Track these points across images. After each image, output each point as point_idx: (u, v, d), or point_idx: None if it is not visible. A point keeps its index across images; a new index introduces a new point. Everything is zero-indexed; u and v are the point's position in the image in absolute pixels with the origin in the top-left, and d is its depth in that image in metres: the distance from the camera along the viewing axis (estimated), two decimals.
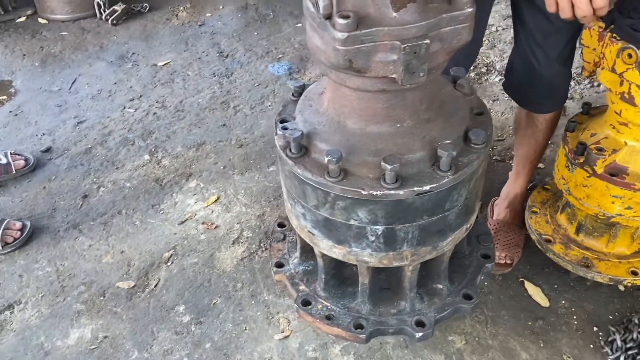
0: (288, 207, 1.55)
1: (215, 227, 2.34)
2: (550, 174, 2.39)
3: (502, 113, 2.86)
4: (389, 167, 1.23)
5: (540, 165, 2.48)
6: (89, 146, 2.84)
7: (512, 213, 2.17)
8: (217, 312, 2.00)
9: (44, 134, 2.94)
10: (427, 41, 1.13)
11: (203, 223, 2.36)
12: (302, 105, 1.47)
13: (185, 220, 2.38)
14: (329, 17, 1.14)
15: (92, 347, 1.92)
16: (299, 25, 3.78)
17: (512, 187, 2.18)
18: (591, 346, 1.81)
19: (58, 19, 3.99)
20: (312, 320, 1.62)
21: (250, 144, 2.78)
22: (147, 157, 2.74)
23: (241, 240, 2.27)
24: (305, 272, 1.73)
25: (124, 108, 3.11)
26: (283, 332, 1.92)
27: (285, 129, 1.40)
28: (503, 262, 2.03)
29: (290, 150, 1.37)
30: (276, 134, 1.44)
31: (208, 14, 4.01)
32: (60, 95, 3.26)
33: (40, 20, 4.03)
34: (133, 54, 3.62)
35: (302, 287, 1.69)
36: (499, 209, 2.19)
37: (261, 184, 2.54)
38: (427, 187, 1.28)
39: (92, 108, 3.13)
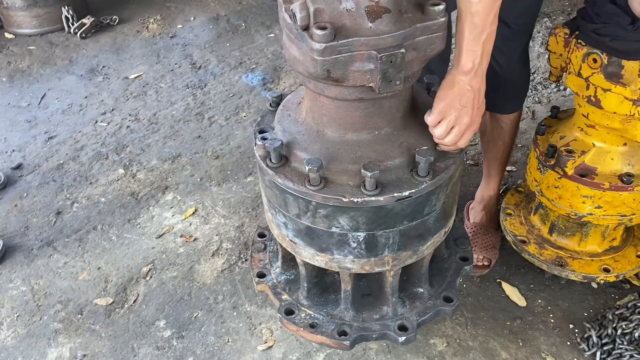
0: (269, 216, 1.55)
1: (194, 240, 2.32)
2: (522, 176, 2.46)
3: None
4: (368, 174, 1.25)
5: (512, 168, 2.55)
6: (61, 162, 2.79)
7: (488, 215, 2.21)
8: (198, 326, 1.99)
9: (13, 151, 2.88)
10: (403, 50, 1.16)
11: (181, 236, 2.34)
12: (281, 115, 1.48)
13: (163, 234, 2.36)
14: (306, 28, 1.16)
15: None
16: (271, 35, 3.80)
17: (486, 190, 2.23)
18: (568, 343, 1.86)
19: (25, 34, 3.93)
20: (296, 329, 1.62)
21: (227, 155, 2.78)
22: (121, 171, 2.71)
23: (221, 252, 2.26)
24: (288, 282, 1.73)
25: (96, 122, 3.08)
26: (266, 342, 1.91)
27: (264, 139, 1.42)
28: (481, 263, 2.07)
29: (270, 160, 1.37)
30: (255, 144, 1.45)
31: (179, 26, 4.00)
32: (29, 111, 3.20)
33: (6, 34, 3.95)
34: (103, 67, 3.59)
35: (284, 296, 1.69)
36: (475, 212, 2.24)
37: (239, 195, 2.53)
38: (406, 193, 1.30)
39: (63, 123, 3.08)
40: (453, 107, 1.28)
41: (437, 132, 1.32)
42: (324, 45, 1.12)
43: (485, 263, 2.08)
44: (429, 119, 1.32)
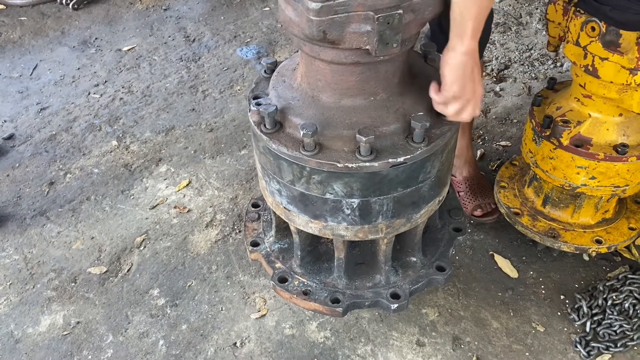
0: (263, 184, 1.55)
1: (188, 211, 2.32)
2: (517, 151, 2.45)
3: None
4: (363, 139, 1.25)
5: (507, 143, 2.55)
6: (54, 132, 2.77)
7: (471, 165, 2.25)
8: (192, 294, 1.99)
9: (5, 121, 2.85)
10: (400, 11, 1.14)
11: (175, 207, 2.34)
12: (276, 81, 1.46)
13: (156, 205, 2.35)
14: None
15: (65, 332, 1.89)
16: (266, 9, 3.75)
17: (459, 143, 2.22)
18: (559, 313, 1.88)
19: (16, 4, 3.85)
20: (289, 297, 1.63)
21: (221, 128, 2.76)
22: (114, 142, 2.69)
23: (214, 223, 2.26)
24: (281, 250, 1.73)
25: (89, 94, 3.04)
26: (259, 311, 1.92)
27: (259, 104, 1.40)
28: (490, 209, 2.15)
29: (265, 125, 1.36)
30: (250, 110, 1.43)
31: None
32: (21, 82, 3.16)
33: None
34: (96, 39, 3.53)
35: (278, 264, 1.69)
36: (459, 168, 2.25)
37: (233, 168, 2.52)
38: (401, 159, 1.29)
39: (55, 94, 3.05)
40: (466, 86, 1.27)
41: (450, 110, 1.31)
42: (320, 4, 1.11)
43: (493, 206, 2.15)
44: (439, 98, 1.30)
